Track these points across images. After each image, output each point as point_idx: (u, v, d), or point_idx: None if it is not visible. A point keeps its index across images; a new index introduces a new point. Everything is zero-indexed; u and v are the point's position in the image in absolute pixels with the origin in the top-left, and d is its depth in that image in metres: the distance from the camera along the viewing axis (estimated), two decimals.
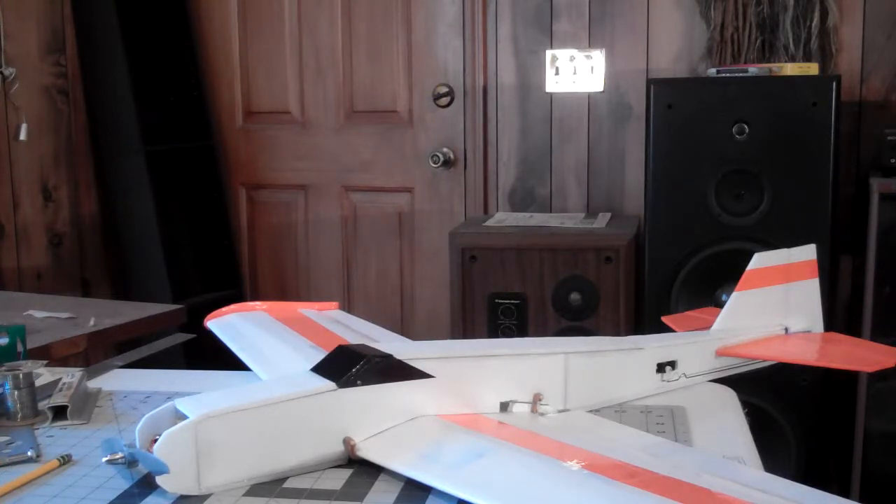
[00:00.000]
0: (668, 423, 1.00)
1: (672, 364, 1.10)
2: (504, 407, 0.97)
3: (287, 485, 0.84)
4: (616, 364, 1.06)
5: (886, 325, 2.25)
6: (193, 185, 3.22)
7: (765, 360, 1.16)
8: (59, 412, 1.03)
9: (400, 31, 3.11)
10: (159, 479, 0.81)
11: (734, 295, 1.17)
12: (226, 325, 1.27)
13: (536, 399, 0.98)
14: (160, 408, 0.85)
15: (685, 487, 0.78)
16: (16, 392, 1.03)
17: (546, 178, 3.00)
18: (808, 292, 1.21)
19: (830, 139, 2.27)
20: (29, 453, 0.91)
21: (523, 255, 2.50)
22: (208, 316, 1.30)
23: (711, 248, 2.37)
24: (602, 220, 2.72)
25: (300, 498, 0.81)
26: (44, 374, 1.19)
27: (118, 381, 1.19)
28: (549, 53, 2.92)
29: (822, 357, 1.20)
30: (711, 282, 2.35)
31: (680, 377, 1.10)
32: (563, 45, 2.93)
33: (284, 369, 1.05)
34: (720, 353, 1.14)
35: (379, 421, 0.90)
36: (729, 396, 1.11)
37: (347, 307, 2.87)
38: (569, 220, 2.72)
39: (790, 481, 0.81)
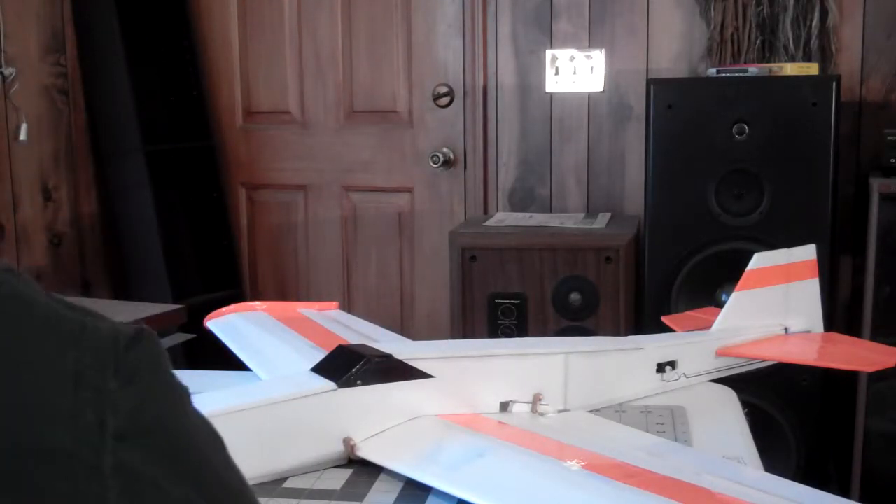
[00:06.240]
0: (668, 423, 1.00)
1: (672, 364, 1.10)
2: (504, 407, 0.97)
3: (287, 485, 0.84)
4: (616, 364, 1.06)
5: (886, 325, 2.25)
6: (193, 185, 3.22)
7: (765, 360, 1.16)
8: None
9: (400, 31, 3.11)
10: None
11: (734, 295, 1.17)
12: (226, 325, 1.27)
13: (536, 399, 0.98)
14: None
15: (685, 487, 0.78)
16: None
17: (546, 178, 3.00)
18: (808, 292, 1.21)
19: (830, 139, 2.27)
20: None
21: (523, 255, 2.50)
22: (208, 316, 1.30)
23: (711, 248, 2.37)
24: (602, 220, 2.72)
25: (300, 498, 0.81)
26: None
27: None
28: (549, 53, 2.92)
29: (822, 357, 1.20)
30: (711, 282, 2.34)
31: (680, 377, 1.10)
32: (563, 45, 2.93)
33: (284, 369, 1.05)
34: (720, 353, 1.14)
35: (379, 421, 0.90)
36: (729, 396, 1.11)
37: (347, 307, 2.87)
38: (569, 220, 2.72)
39: (790, 481, 0.81)
